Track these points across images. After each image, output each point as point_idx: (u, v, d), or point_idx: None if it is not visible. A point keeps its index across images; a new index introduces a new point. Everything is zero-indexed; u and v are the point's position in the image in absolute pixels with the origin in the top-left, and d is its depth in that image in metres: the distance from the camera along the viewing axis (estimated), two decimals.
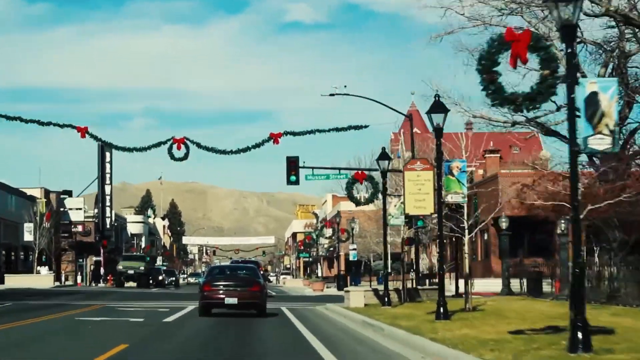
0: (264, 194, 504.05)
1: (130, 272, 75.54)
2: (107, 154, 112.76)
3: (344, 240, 78.96)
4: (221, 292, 33.00)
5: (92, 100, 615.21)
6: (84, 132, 56.92)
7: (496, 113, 48.48)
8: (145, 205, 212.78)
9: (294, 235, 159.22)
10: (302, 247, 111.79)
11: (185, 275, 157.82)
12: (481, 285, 59.32)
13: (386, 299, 36.82)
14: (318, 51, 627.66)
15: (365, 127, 57.97)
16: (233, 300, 32.75)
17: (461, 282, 60.22)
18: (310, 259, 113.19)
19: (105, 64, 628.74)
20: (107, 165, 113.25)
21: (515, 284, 58.85)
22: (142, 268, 76.18)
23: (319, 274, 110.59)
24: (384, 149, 36.76)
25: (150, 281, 78.61)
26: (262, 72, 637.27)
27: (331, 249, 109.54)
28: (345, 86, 62.29)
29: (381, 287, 41.68)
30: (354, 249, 75.30)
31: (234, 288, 33.14)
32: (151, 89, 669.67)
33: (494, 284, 61.90)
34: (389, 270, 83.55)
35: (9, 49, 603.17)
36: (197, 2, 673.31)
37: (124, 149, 58.18)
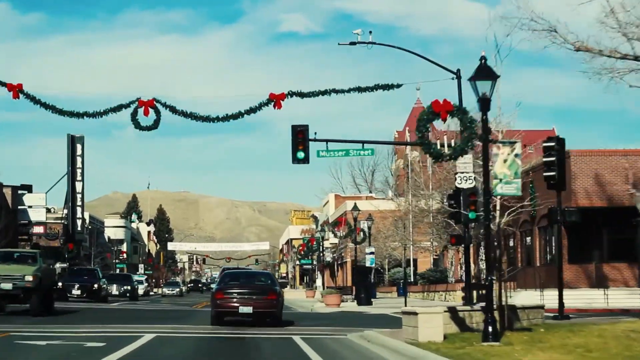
0: (255, 203, 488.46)
1: (6, 285, 36.41)
2: (79, 146, 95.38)
3: (359, 242, 61.95)
4: (235, 300, 30.51)
5: (85, 108, 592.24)
6: (16, 90, 40.73)
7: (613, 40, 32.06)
8: (130, 211, 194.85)
9: (290, 242, 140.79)
10: (302, 253, 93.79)
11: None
12: (551, 298, 42.62)
13: (490, 329, 19.97)
14: (313, 61, 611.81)
15: (398, 86, 42.13)
16: (248, 309, 30.23)
17: (537, 293, 44.16)
18: (312, 266, 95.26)
19: (100, 73, 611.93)
20: (78, 159, 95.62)
21: (615, 295, 42.95)
22: (30, 278, 36.10)
23: (318, 284, 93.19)
24: (483, 59, 19.98)
25: (81, 292, 53.63)
26: (257, 81, 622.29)
27: (335, 255, 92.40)
28: (370, 32, 45.89)
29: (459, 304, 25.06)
30: (372, 253, 58.47)
31: (249, 296, 30.64)
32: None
33: (571, 297, 45.02)
34: (410, 280, 66.72)
35: (3, 57, 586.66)
36: (192, 13, 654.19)
37: (71, 113, 42.35)
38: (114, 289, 64.59)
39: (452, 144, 22.08)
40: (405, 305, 43.67)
